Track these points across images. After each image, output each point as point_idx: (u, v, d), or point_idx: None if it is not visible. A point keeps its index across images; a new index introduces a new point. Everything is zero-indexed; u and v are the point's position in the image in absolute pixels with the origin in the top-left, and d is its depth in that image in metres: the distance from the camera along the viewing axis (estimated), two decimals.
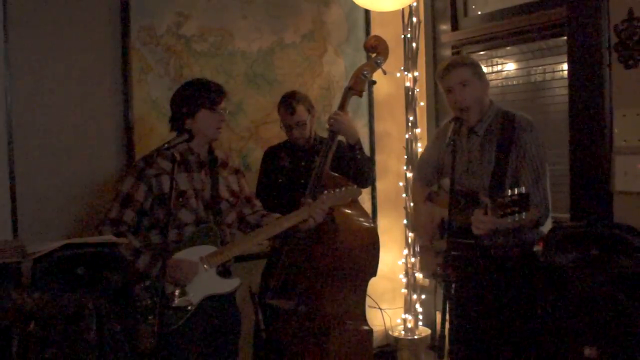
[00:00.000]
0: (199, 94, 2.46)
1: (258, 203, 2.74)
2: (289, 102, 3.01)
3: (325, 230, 2.62)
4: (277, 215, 2.67)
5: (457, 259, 2.29)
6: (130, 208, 2.41)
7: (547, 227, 2.51)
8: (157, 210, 2.43)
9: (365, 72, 2.82)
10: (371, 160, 3.03)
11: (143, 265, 2.35)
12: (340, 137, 2.91)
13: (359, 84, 2.83)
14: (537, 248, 2.51)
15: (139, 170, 2.45)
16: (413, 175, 3.15)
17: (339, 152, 2.94)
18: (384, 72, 2.87)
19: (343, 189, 2.53)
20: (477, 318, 2.48)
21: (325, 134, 3.37)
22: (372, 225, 2.72)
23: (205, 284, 2.39)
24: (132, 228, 2.43)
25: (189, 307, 2.36)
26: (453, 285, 2.16)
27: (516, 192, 2.01)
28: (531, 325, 2.37)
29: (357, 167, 2.92)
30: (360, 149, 2.94)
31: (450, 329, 2.19)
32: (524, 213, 2.01)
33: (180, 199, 2.41)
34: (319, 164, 2.76)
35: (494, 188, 2.38)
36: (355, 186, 2.57)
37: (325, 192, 2.52)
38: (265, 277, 3.04)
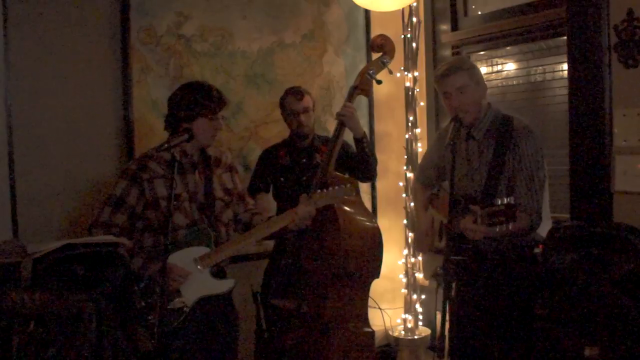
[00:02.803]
0: (200, 101, 2.43)
1: (250, 201, 2.74)
2: (296, 89, 3.11)
3: (328, 230, 2.62)
4: (269, 214, 2.66)
5: (457, 262, 2.29)
6: (121, 211, 2.41)
7: (544, 230, 2.52)
8: (149, 213, 2.43)
9: (371, 72, 2.79)
10: (375, 155, 3.03)
11: (136, 267, 2.35)
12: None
13: (365, 83, 2.81)
14: (538, 250, 2.51)
15: (131, 173, 2.44)
16: (414, 176, 3.16)
17: (342, 152, 2.93)
18: (390, 72, 2.85)
19: (336, 187, 2.52)
20: (477, 320, 2.48)
21: (324, 134, 3.39)
22: (375, 225, 2.71)
23: (199, 285, 2.39)
24: (123, 231, 2.42)
25: (184, 309, 2.37)
26: (453, 285, 2.17)
27: (505, 201, 2.03)
28: (530, 326, 2.37)
29: (366, 162, 2.93)
30: (367, 142, 2.93)
31: (449, 330, 2.19)
32: (510, 224, 2.03)
33: (174, 202, 2.40)
34: (324, 163, 2.76)
35: (487, 193, 2.39)
36: (350, 185, 2.55)
37: (318, 191, 2.52)
38: (268, 276, 3.04)
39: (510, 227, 2.04)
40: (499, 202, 2.05)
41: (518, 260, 2.46)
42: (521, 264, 2.46)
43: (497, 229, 2.07)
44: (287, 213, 2.52)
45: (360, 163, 2.94)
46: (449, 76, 2.48)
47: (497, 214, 2.04)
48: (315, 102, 3.19)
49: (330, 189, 2.52)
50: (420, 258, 3.75)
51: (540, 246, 2.51)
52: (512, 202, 2.03)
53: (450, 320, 2.17)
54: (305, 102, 3.07)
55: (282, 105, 3.14)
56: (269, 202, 3.21)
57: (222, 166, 2.63)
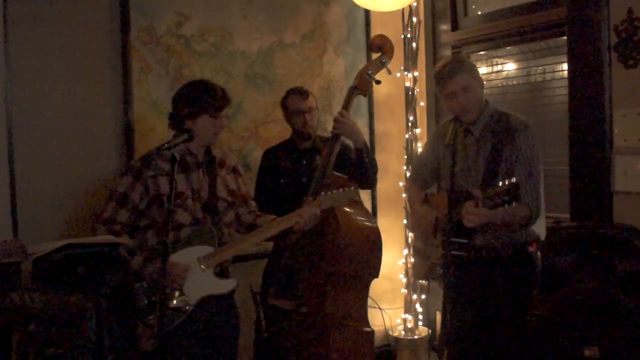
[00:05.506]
0: (204, 99, 2.43)
1: (253, 203, 2.74)
2: (301, 89, 3.10)
3: (327, 229, 2.62)
4: (272, 216, 2.67)
5: (454, 258, 2.30)
6: (125, 208, 2.41)
7: (539, 228, 2.52)
8: (152, 211, 2.43)
9: (370, 72, 2.77)
10: (376, 164, 3.01)
11: (136, 265, 2.35)
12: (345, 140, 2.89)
13: (364, 84, 2.80)
14: (532, 249, 2.52)
15: (136, 170, 2.45)
16: (409, 176, 3.15)
17: (342, 153, 2.92)
18: (389, 72, 2.84)
19: (340, 190, 2.52)
20: (474, 318, 2.48)
21: (325, 134, 3.38)
22: (374, 225, 2.71)
23: (202, 284, 2.39)
24: (126, 228, 2.42)
25: (187, 308, 2.37)
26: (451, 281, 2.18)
27: (506, 182, 2.02)
28: (527, 325, 2.37)
29: (364, 172, 2.90)
30: (368, 152, 2.91)
31: (447, 329, 2.20)
32: (514, 203, 2.01)
33: (178, 200, 2.40)
34: (322, 165, 2.75)
35: (485, 186, 2.39)
36: (353, 187, 2.56)
37: (322, 193, 2.52)
38: (268, 276, 3.04)
39: (514, 206, 2.03)
40: (500, 183, 2.04)
41: (513, 257, 2.47)
42: (516, 262, 2.47)
43: (500, 210, 2.06)
44: (292, 214, 2.52)
45: (358, 173, 2.90)
46: (454, 77, 2.47)
47: (500, 194, 2.03)
48: (318, 103, 3.17)
49: (335, 191, 2.52)
50: (412, 259, 3.74)
51: (534, 245, 2.51)
52: (514, 181, 2.02)
53: (449, 321, 2.18)
54: (310, 101, 3.07)
55: (285, 105, 3.13)
56: None
57: (226, 167, 2.64)
